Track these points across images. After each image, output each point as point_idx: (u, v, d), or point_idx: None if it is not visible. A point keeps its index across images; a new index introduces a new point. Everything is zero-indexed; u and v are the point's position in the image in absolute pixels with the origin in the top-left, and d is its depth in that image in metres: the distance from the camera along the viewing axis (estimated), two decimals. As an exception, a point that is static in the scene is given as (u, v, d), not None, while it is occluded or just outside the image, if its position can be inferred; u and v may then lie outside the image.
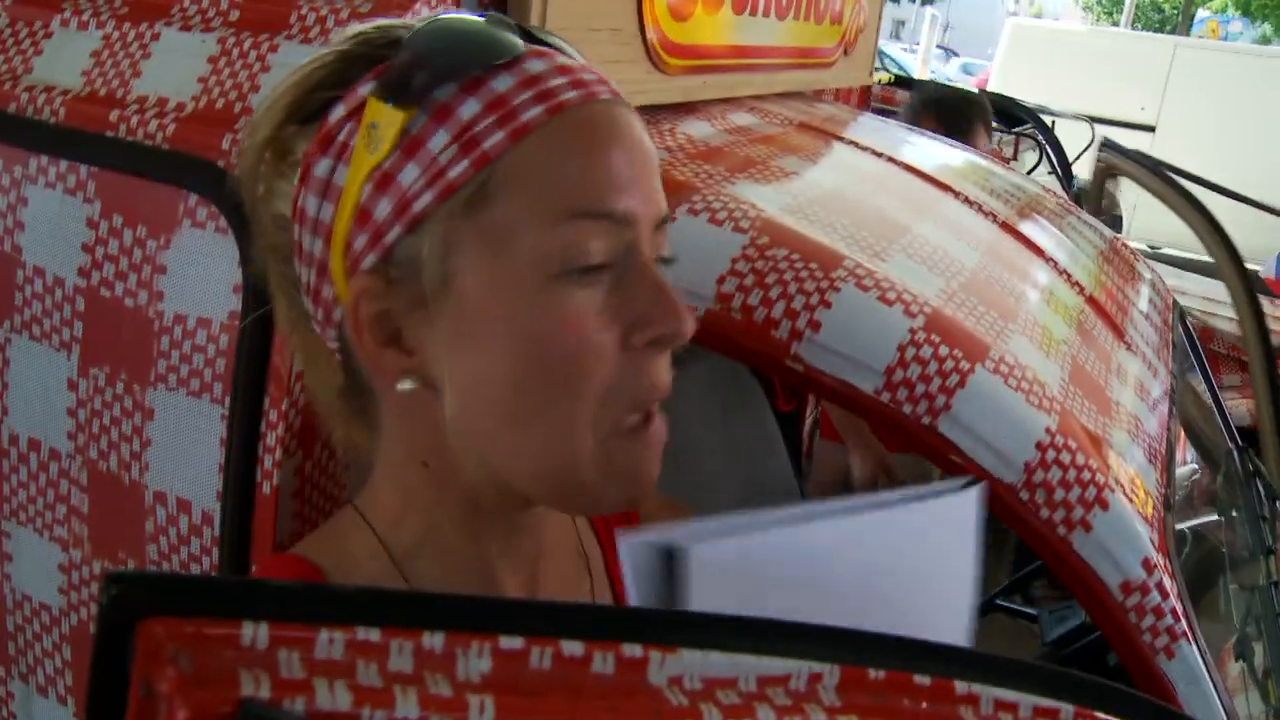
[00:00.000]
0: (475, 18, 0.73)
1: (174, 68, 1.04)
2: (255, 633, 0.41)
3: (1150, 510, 1.06)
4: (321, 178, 0.70)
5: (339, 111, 0.71)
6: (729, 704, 0.48)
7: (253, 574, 0.79)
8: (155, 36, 1.06)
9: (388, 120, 0.68)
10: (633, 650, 0.46)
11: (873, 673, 0.50)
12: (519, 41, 0.70)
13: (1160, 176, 2.39)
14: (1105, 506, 1.00)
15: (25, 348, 1.08)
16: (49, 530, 1.10)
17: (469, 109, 0.68)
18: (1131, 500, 1.03)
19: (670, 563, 0.63)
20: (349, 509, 0.79)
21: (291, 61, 0.97)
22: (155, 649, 0.40)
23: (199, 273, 0.98)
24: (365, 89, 0.70)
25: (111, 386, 1.03)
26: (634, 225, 0.69)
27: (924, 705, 0.51)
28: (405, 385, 0.70)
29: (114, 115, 1.03)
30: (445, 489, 0.74)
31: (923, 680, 0.51)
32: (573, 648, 0.45)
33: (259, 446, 0.95)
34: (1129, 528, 1.00)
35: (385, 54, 0.70)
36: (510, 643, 0.44)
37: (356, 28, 0.74)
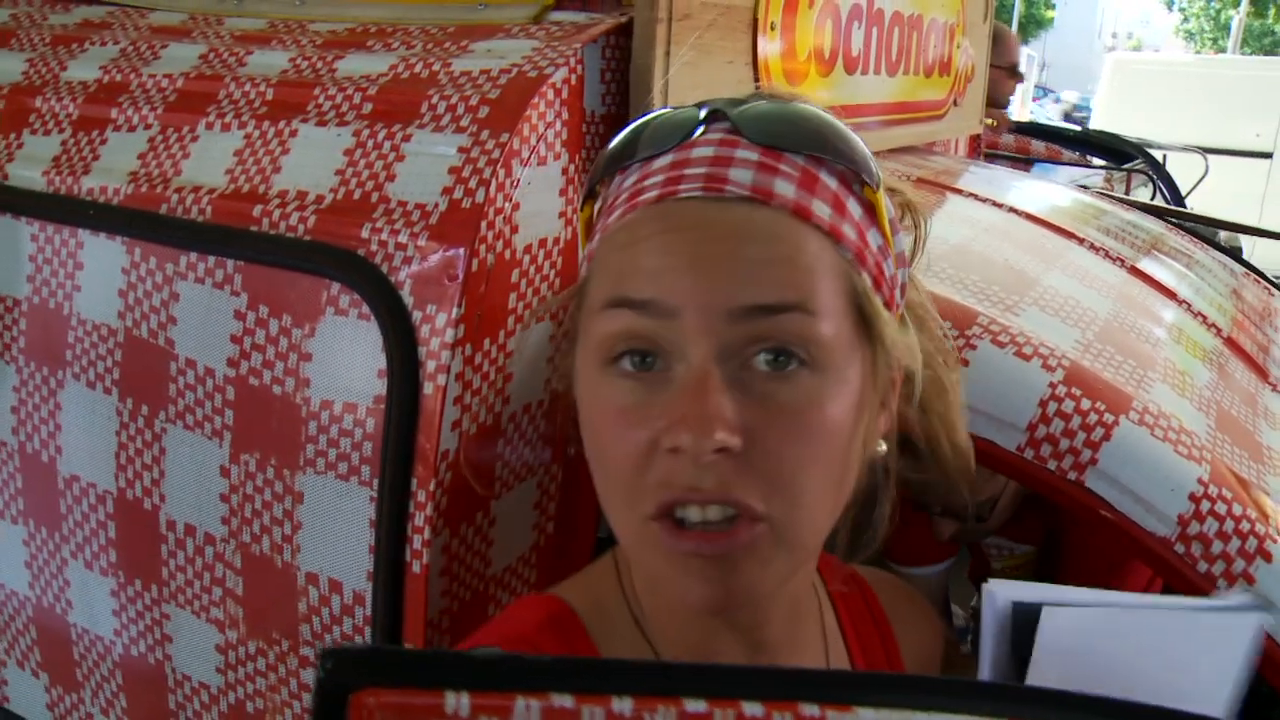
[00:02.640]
0: (681, 109, 0.73)
1: (312, 161, 1.08)
2: (458, 702, 0.45)
3: (1316, 560, 1.02)
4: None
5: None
6: None
7: (508, 611, 0.82)
8: (293, 133, 1.10)
9: (581, 216, 0.77)
10: (810, 710, 0.48)
11: None
12: (675, 131, 0.71)
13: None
14: (1268, 558, 0.96)
15: (180, 437, 1.12)
16: (206, 612, 1.14)
17: (606, 205, 0.73)
18: (1295, 551, 1.00)
19: (1024, 618, 0.71)
20: (610, 553, 0.82)
21: (424, 150, 1.01)
22: (366, 719, 0.44)
23: (344, 359, 1.01)
24: None
25: (262, 472, 1.07)
26: (670, 316, 0.65)
27: None
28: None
29: (257, 210, 1.07)
30: None
31: None
32: (753, 709, 0.47)
33: (408, 526, 0.97)
34: (1296, 580, 0.97)
35: None
36: (694, 705, 0.47)
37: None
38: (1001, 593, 0.72)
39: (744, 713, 0.47)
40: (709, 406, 0.62)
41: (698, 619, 0.76)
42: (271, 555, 1.07)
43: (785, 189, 0.68)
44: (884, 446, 0.77)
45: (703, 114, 0.71)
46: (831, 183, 0.70)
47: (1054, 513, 1.70)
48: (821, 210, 0.68)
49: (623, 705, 0.46)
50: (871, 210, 0.72)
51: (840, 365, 0.67)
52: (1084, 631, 0.72)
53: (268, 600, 1.09)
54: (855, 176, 0.71)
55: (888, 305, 0.73)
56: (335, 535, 1.02)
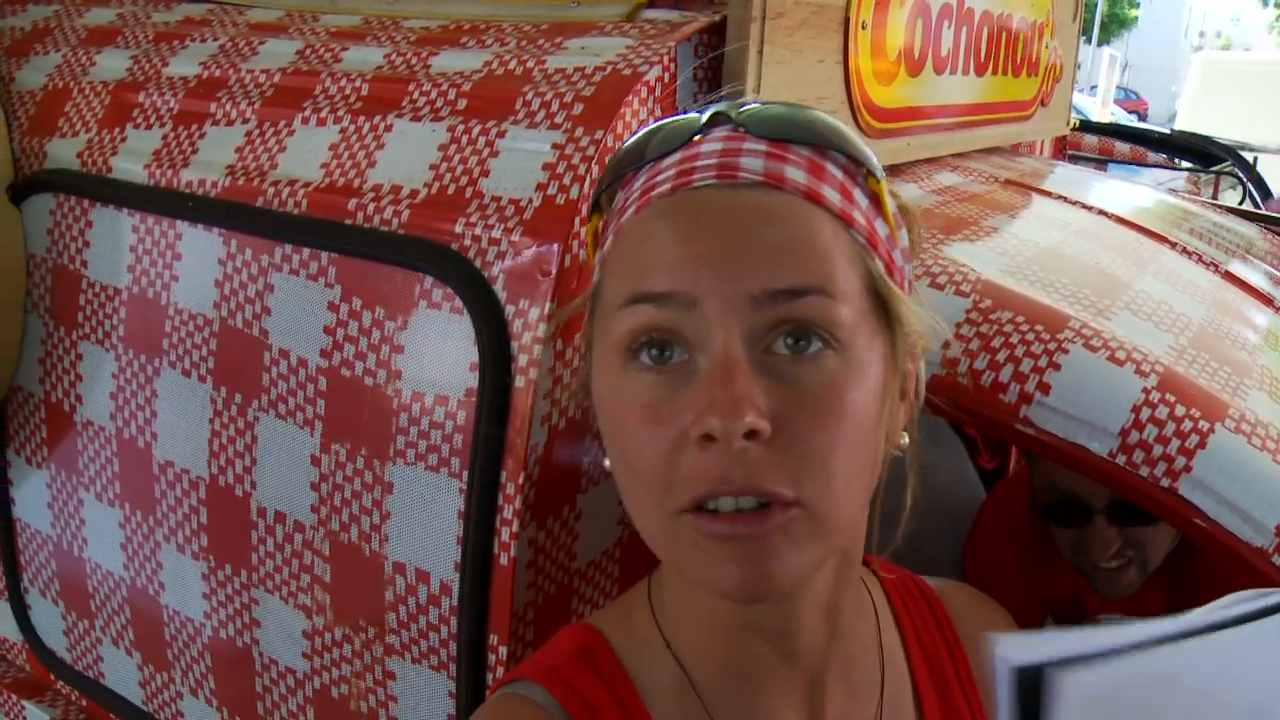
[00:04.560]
0: (685, 116, 0.74)
1: (406, 156, 1.10)
2: None
3: None
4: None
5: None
6: None
7: (555, 638, 0.83)
8: (388, 128, 1.12)
9: (588, 227, 0.77)
10: None
11: None
12: (681, 134, 0.71)
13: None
14: (1370, 573, 0.94)
15: (272, 425, 1.14)
16: (294, 598, 1.16)
17: (616, 210, 0.73)
18: (1399, 565, 0.97)
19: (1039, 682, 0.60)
20: (646, 579, 0.82)
21: (519, 146, 1.02)
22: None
23: (436, 352, 1.02)
24: None
25: (352, 461, 1.08)
26: (691, 306, 0.65)
27: None
28: (606, 461, 0.74)
29: (352, 204, 1.09)
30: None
31: None
32: None
33: (496, 519, 0.98)
34: (1400, 594, 0.94)
35: None
36: None
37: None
38: (1013, 654, 0.57)
39: None
40: (736, 390, 0.62)
41: (727, 630, 0.75)
42: (360, 544, 1.09)
43: (796, 175, 0.68)
44: (906, 439, 0.76)
45: (705, 117, 0.72)
46: (837, 172, 0.71)
47: (1173, 584, 1.62)
48: (832, 195, 0.69)
49: None
50: (876, 201, 0.73)
51: (861, 348, 0.67)
52: (1115, 690, 0.59)
53: (355, 588, 1.11)
54: (858, 168, 0.72)
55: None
56: (424, 526, 1.04)
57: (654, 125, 0.74)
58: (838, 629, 0.78)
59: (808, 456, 0.65)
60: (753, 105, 0.73)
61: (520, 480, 0.96)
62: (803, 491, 0.65)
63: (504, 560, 0.98)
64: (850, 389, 0.66)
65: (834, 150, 0.71)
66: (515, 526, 0.97)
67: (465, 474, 0.99)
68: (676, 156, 0.70)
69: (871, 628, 0.85)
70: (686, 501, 0.65)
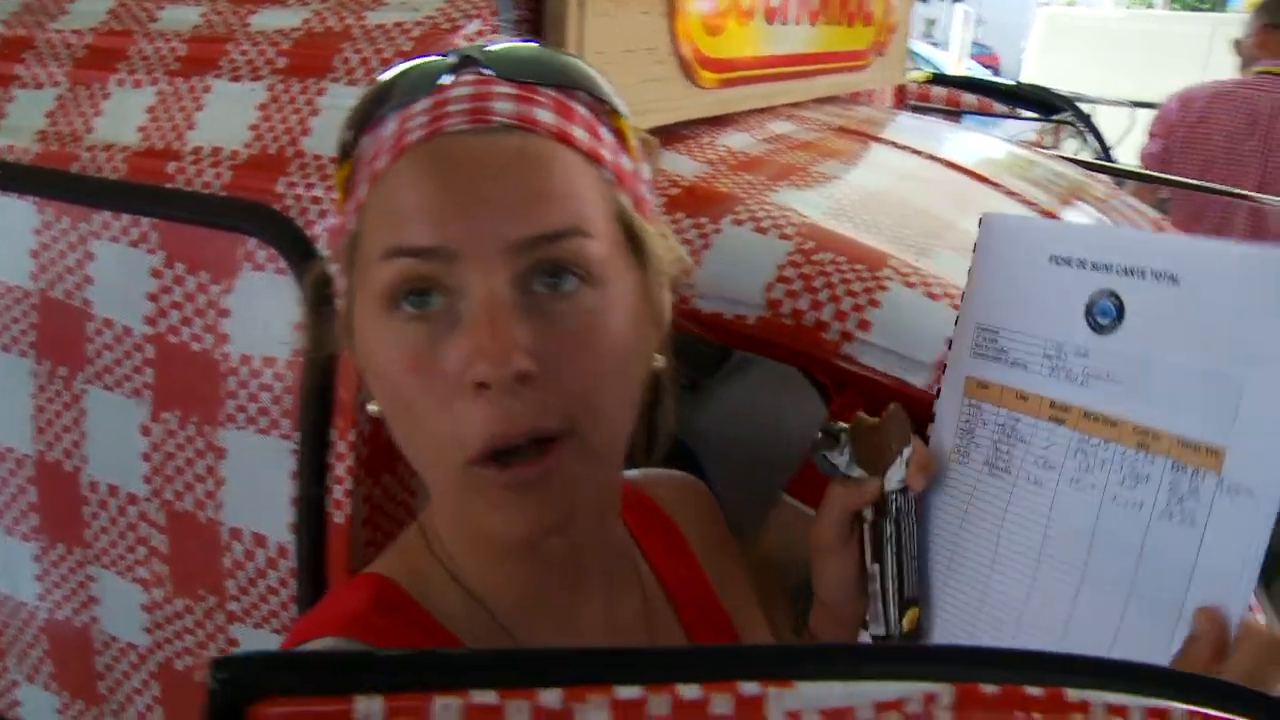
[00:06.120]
0: (430, 59, 0.74)
1: (226, 117, 1.08)
2: (369, 707, 0.41)
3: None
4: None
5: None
6: None
7: (332, 596, 0.82)
8: (207, 89, 1.10)
9: (339, 174, 0.76)
10: (750, 688, 0.45)
11: (986, 688, 0.49)
12: (429, 77, 0.71)
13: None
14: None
15: (100, 397, 1.12)
16: (131, 572, 1.14)
17: (366, 157, 0.72)
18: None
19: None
20: (414, 523, 0.82)
21: (339, 104, 1.01)
22: (268, 732, 0.40)
23: (261, 313, 1.01)
24: None
25: (184, 429, 1.07)
26: (453, 259, 0.66)
27: (1037, 717, 0.49)
28: (372, 406, 0.74)
29: (171, 167, 1.07)
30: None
31: (1035, 692, 0.50)
32: (690, 691, 0.44)
33: (329, 478, 0.98)
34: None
35: None
36: (628, 692, 0.43)
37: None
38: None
39: (681, 696, 0.44)
40: (503, 336, 0.64)
41: (517, 562, 0.77)
42: (195, 512, 1.07)
43: (545, 116, 0.70)
44: (660, 360, 0.78)
45: (452, 60, 0.72)
46: (584, 111, 0.73)
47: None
48: (580, 135, 0.71)
49: (550, 697, 0.42)
50: (621, 137, 0.76)
51: (615, 280, 0.70)
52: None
53: (193, 557, 1.09)
54: (602, 106, 0.75)
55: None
56: (258, 489, 1.03)
57: (399, 70, 0.73)
58: (615, 557, 0.84)
59: (577, 389, 0.67)
60: (500, 46, 0.73)
61: (351, 437, 0.96)
62: (576, 424, 0.68)
63: (339, 518, 0.98)
64: (608, 321, 0.69)
65: (579, 90, 0.73)
66: (349, 484, 0.97)
67: (296, 435, 0.99)
68: (428, 102, 0.70)
69: (623, 530, 0.88)
70: (474, 453, 0.66)
